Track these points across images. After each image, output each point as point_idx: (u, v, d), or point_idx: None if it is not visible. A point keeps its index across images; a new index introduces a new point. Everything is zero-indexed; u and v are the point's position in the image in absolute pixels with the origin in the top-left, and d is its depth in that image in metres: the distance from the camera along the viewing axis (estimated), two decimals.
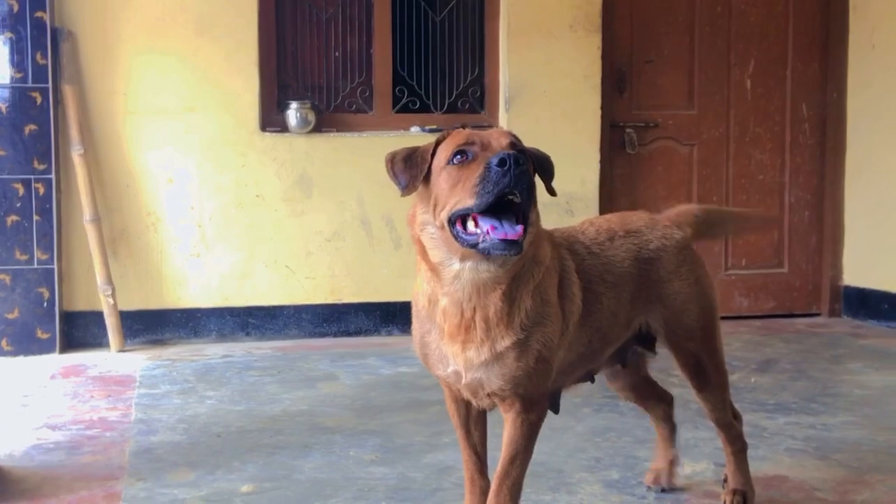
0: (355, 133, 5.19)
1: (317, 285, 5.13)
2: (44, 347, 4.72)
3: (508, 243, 1.95)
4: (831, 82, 5.71)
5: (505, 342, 2.12)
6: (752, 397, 3.87)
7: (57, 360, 4.59)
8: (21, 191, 4.69)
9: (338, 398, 3.90)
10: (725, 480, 2.71)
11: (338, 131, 5.18)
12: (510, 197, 1.95)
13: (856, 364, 4.53)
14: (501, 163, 1.93)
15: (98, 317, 4.83)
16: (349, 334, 5.18)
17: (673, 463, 2.82)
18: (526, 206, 2.00)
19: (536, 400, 2.22)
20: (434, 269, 2.11)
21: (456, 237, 2.02)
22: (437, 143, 2.13)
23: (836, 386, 4.13)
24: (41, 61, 4.67)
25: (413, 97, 5.34)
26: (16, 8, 4.62)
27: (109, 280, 4.79)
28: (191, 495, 2.77)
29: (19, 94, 4.67)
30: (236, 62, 4.98)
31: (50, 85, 4.70)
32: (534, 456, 2.86)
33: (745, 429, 3.37)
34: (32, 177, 4.70)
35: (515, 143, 2.08)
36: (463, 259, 2.06)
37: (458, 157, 2.04)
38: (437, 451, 3.17)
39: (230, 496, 2.76)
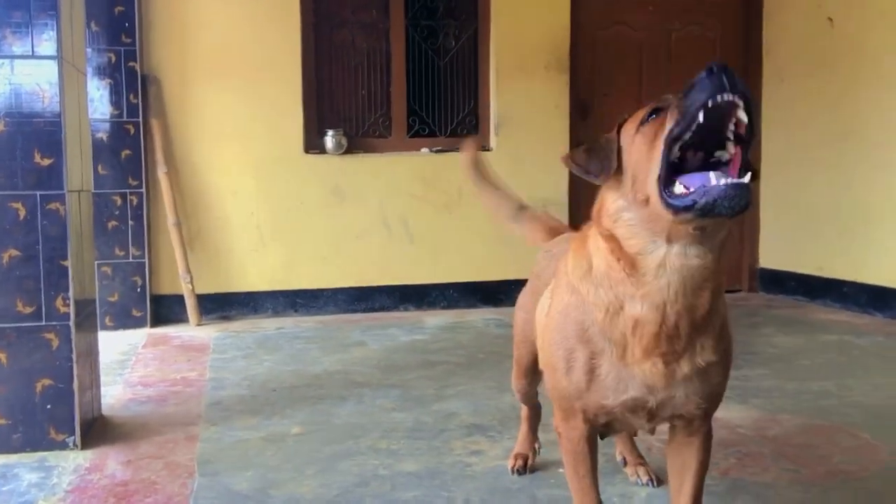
0: (378, 154, 5.18)
1: (348, 272, 5.12)
2: (138, 323, 4.72)
3: (736, 188, 1.23)
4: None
5: (710, 355, 1.46)
6: None
7: (148, 333, 4.61)
8: (119, 202, 4.69)
9: (366, 360, 3.90)
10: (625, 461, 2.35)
11: (364, 152, 5.17)
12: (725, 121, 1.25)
13: (769, 329, 4.53)
14: (709, 71, 1.24)
15: (180, 299, 4.83)
16: (374, 310, 5.17)
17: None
18: (749, 137, 1.26)
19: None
20: (632, 263, 1.40)
21: (667, 204, 1.30)
22: (619, 126, 1.49)
23: (753, 346, 4.13)
24: (133, 101, 4.66)
25: (423, 125, 5.31)
26: (113, 59, 4.62)
27: (188, 270, 4.79)
28: (252, 436, 2.79)
29: (117, 126, 4.67)
30: (284, 99, 4.96)
31: (140, 119, 4.69)
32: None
33: None
34: (128, 191, 4.70)
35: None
36: (670, 240, 1.36)
37: (651, 115, 1.38)
38: (444, 400, 3.17)
39: (283, 436, 2.78)
